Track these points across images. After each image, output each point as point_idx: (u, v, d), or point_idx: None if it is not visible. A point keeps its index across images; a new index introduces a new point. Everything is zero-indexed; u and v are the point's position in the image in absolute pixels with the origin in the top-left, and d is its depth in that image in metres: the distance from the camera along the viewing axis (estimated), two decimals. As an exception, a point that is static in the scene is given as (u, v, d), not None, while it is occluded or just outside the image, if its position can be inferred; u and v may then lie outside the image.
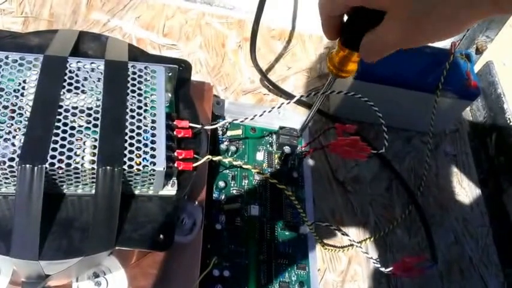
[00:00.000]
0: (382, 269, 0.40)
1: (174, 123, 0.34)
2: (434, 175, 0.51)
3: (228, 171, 0.42)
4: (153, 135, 0.30)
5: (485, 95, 0.59)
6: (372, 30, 0.26)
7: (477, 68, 0.60)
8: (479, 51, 0.57)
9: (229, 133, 0.44)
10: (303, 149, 0.46)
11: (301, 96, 0.38)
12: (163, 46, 0.52)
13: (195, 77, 0.48)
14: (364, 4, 0.25)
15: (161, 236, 0.29)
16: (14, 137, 0.28)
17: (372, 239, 0.44)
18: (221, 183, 0.41)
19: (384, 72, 0.47)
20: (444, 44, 0.52)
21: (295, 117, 0.47)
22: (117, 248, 0.28)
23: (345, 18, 0.29)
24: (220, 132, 0.44)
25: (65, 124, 0.29)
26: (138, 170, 0.29)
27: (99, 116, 0.30)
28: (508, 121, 0.55)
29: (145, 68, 0.34)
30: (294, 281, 0.38)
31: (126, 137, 0.30)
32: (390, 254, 0.44)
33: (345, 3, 0.26)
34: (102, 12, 0.52)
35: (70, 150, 0.28)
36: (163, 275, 0.32)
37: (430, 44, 0.50)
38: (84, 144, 0.29)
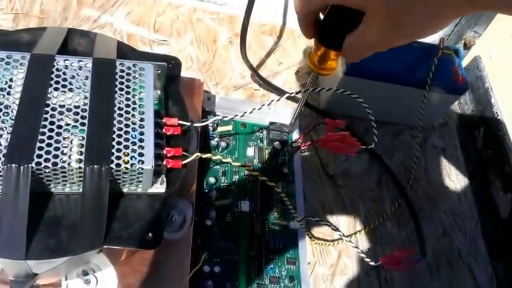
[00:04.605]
0: (372, 263, 0.41)
1: (163, 120, 0.33)
2: (423, 168, 0.52)
3: (218, 167, 0.42)
4: (142, 133, 0.30)
5: (473, 89, 0.59)
6: (352, 33, 0.26)
7: (465, 62, 0.60)
8: (467, 47, 0.57)
9: (219, 129, 0.44)
10: (293, 144, 0.46)
11: (291, 93, 0.38)
12: (154, 42, 0.52)
13: (186, 72, 0.48)
14: (342, 2, 0.25)
15: (150, 234, 0.29)
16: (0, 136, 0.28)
17: (361, 233, 0.45)
18: (211, 179, 0.41)
19: (373, 68, 0.47)
20: (433, 39, 0.52)
21: (285, 112, 0.47)
22: (105, 246, 0.29)
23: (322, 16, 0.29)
24: (210, 128, 0.44)
25: (52, 123, 0.29)
26: (126, 168, 0.29)
27: (86, 114, 0.30)
28: (496, 115, 0.55)
29: (133, 65, 0.34)
30: (284, 275, 0.39)
31: (114, 136, 0.29)
32: (380, 247, 0.45)
33: (322, 1, 0.26)
34: (93, 8, 0.52)
35: (57, 149, 0.28)
36: (153, 272, 0.32)
37: (418, 39, 0.50)
38: (72, 143, 0.29)
